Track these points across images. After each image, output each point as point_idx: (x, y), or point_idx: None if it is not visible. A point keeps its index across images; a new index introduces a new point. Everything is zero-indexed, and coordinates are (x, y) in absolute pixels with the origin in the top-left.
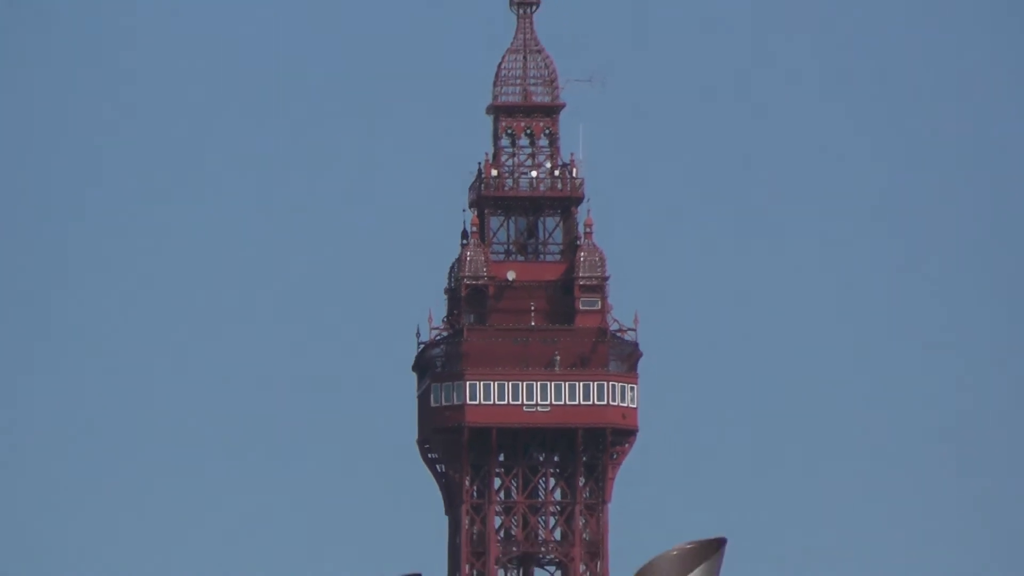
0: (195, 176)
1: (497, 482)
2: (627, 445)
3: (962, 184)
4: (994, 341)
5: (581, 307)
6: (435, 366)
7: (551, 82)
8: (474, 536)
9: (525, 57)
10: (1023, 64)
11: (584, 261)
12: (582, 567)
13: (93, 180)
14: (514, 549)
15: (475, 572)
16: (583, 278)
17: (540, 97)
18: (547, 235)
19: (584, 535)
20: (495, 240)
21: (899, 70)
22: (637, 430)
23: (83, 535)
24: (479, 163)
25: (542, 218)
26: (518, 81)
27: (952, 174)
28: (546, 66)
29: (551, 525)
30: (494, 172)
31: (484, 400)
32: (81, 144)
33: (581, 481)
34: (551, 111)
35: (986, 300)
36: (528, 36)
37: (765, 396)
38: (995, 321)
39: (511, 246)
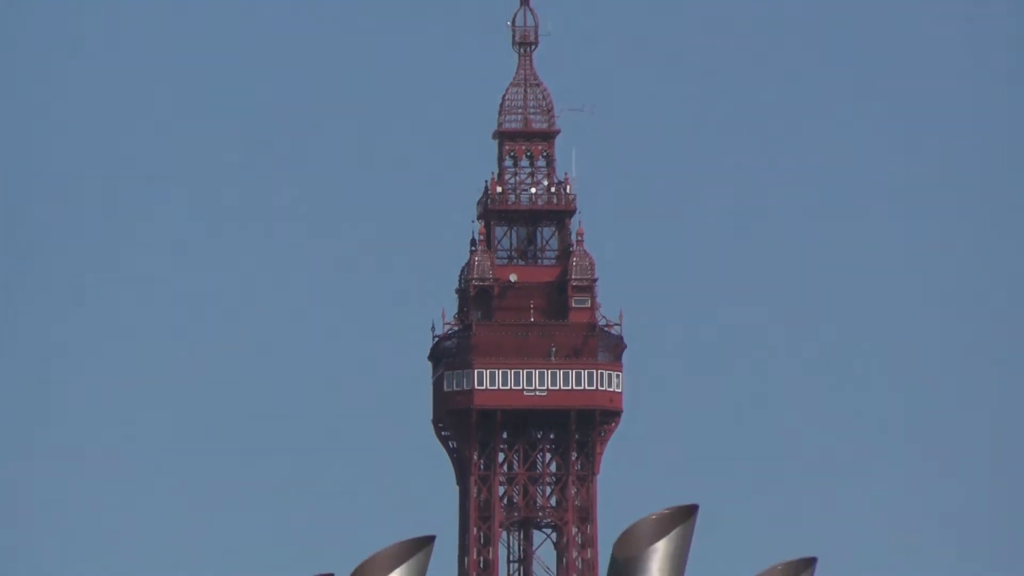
0: (238, 193)
1: (501, 456)
2: (613, 424)
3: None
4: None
5: (573, 305)
6: (448, 356)
7: (548, 111)
8: (481, 503)
9: (525, 90)
10: None
11: (576, 265)
12: (574, 529)
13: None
14: (516, 514)
15: (481, 534)
16: (575, 280)
17: (538, 124)
18: (544, 243)
19: (576, 502)
20: (499, 247)
21: (892, 78)
22: (622, 411)
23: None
24: (486, 181)
25: (540, 228)
26: (519, 111)
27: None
28: (544, 97)
29: (547, 493)
30: (499, 189)
31: (490, 385)
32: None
33: (573, 455)
34: (548, 136)
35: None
36: (528, 72)
37: (735, 384)
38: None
39: (513, 252)
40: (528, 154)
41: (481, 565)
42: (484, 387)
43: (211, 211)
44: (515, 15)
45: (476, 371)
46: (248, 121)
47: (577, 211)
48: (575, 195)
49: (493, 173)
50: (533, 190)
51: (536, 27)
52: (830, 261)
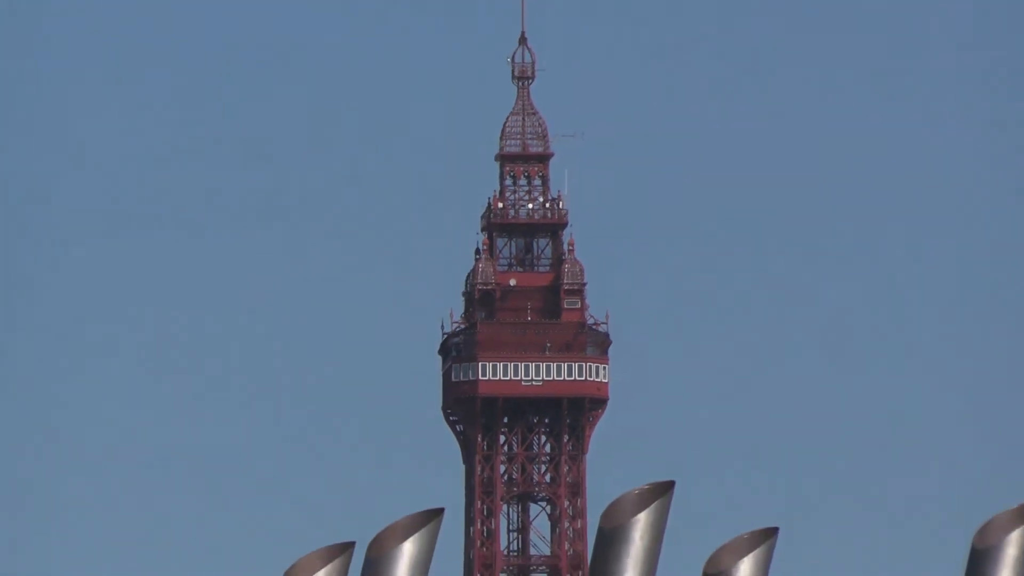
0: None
1: (502, 439)
2: (600, 411)
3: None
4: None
5: (565, 306)
6: (455, 351)
7: (543, 137)
8: (484, 480)
9: (523, 118)
10: None
11: (568, 271)
12: (566, 502)
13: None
14: (515, 489)
15: (485, 507)
16: (567, 284)
17: (535, 148)
18: (539, 252)
19: (568, 478)
20: (500, 256)
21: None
22: (608, 399)
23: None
24: (489, 197)
25: (536, 239)
26: (518, 136)
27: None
28: (539, 125)
29: (543, 471)
30: (500, 204)
31: (492, 376)
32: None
33: (565, 438)
34: (543, 159)
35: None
36: (525, 102)
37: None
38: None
39: (512, 260)
40: (526, 174)
41: (484, 534)
42: (487, 378)
43: (236, 226)
44: (514, 53)
45: (480, 364)
46: (268, 129)
47: (569, 224)
48: (567, 210)
49: (495, 191)
50: (530, 206)
51: (533, 63)
52: (812, 262)
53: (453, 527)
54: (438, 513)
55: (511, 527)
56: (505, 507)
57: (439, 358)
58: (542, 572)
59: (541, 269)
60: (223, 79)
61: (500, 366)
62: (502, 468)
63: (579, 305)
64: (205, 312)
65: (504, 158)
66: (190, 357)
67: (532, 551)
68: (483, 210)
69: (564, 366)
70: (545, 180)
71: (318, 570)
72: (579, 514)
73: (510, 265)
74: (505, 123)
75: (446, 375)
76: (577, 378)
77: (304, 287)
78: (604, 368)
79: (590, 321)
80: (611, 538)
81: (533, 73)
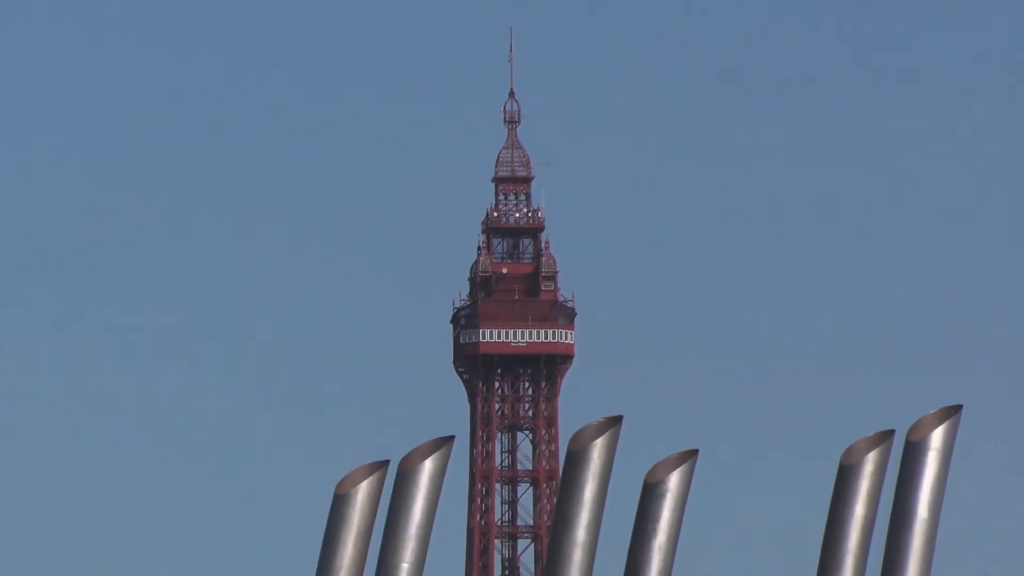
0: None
1: (496, 384)
2: (568, 364)
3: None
4: None
5: (543, 288)
6: (463, 321)
7: (527, 165)
8: (483, 415)
9: (512, 151)
10: None
11: (544, 263)
12: (543, 431)
13: None
14: (506, 421)
15: (484, 435)
16: (544, 272)
17: (520, 173)
18: (524, 248)
19: (544, 413)
20: (495, 251)
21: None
22: (574, 356)
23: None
24: (487, 209)
25: (521, 239)
26: (508, 164)
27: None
28: (524, 156)
29: (526, 408)
30: (495, 213)
31: (490, 339)
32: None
33: (543, 384)
34: (527, 181)
35: None
36: (514, 139)
37: (653, 338)
38: None
39: (504, 254)
40: (514, 192)
41: (484, 454)
42: (486, 340)
43: (277, 233)
44: (505, 104)
45: (481, 330)
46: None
47: (545, 228)
48: (544, 218)
49: (491, 204)
50: (517, 215)
51: (519, 111)
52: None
53: (460, 449)
54: (450, 439)
55: (503, 450)
56: (499, 435)
57: (451, 326)
58: (526, 481)
59: (525, 261)
60: (212, 120)
61: (496, 332)
62: (496, 406)
63: (553, 288)
64: (249, 309)
65: (498, 180)
66: (240, 340)
67: (519, 467)
68: (483, 218)
69: (542, 332)
70: (528, 196)
71: (362, 480)
72: (552, 440)
73: (502, 258)
74: (499, 155)
75: (456, 339)
76: (551, 340)
77: (349, 277)
78: (571, 333)
79: (561, 299)
80: (576, 458)
81: (519, 118)
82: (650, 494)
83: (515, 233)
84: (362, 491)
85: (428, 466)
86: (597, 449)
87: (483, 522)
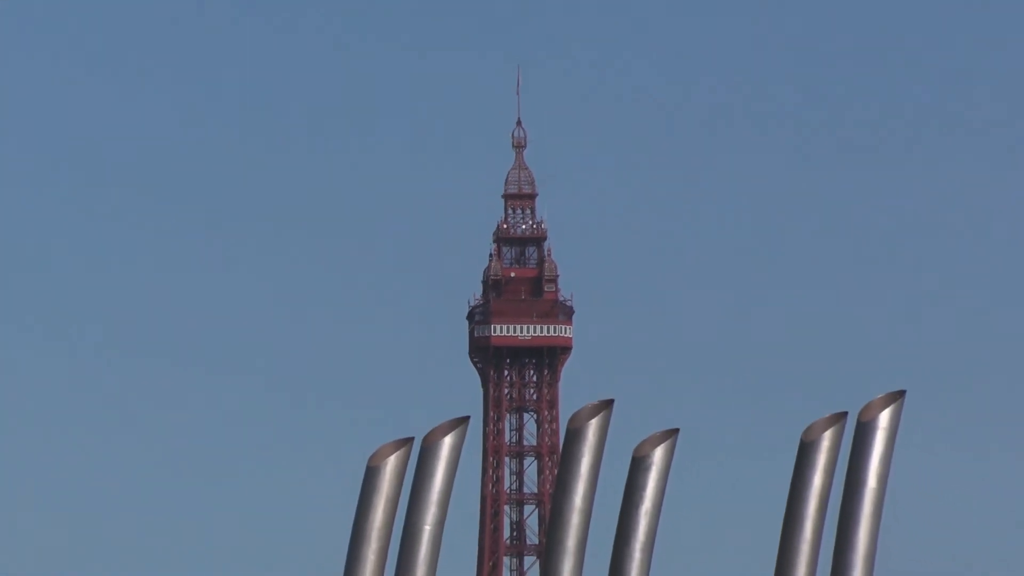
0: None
1: (505, 372)
2: (567, 355)
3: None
4: None
5: (545, 290)
6: (477, 317)
7: (531, 183)
8: (495, 398)
9: (519, 171)
10: None
11: (547, 267)
12: (546, 412)
13: None
14: (513, 404)
15: (495, 415)
16: (546, 276)
17: (526, 190)
18: (529, 255)
19: (547, 397)
20: (505, 257)
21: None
22: (572, 347)
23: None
24: (498, 221)
25: (527, 247)
26: (516, 183)
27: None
28: (529, 176)
29: (531, 392)
30: (505, 225)
31: (501, 333)
32: None
33: (545, 372)
34: (531, 197)
35: None
36: (520, 161)
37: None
38: None
39: (513, 260)
40: (520, 207)
41: (495, 432)
42: (497, 334)
43: (309, 243)
44: (513, 131)
45: (492, 326)
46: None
47: (547, 238)
48: (547, 228)
49: (501, 217)
50: (523, 226)
51: (524, 137)
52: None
53: (475, 428)
54: (466, 419)
55: (512, 428)
56: (508, 415)
57: (466, 322)
58: (531, 455)
59: (530, 266)
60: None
61: (505, 327)
62: (506, 391)
63: (554, 289)
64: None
65: (507, 197)
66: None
67: (525, 443)
68: (494, 229)
69: (545, 327)
70: (533, 211)
71: (390, 455)
72: (554, 419)
73: (511, 264)
74: (508, 175)
75: (471, 332)
76: (553, 334)
77: (380, 281)
78: (570, 328)
79: (561, 299)
80: (574, 435)
81: (525, 143)
82: (637, 466)
83: (521, 242)
84: (390, 464)
85: (447, 442)
86: (592, 428)
87: (494, 490)
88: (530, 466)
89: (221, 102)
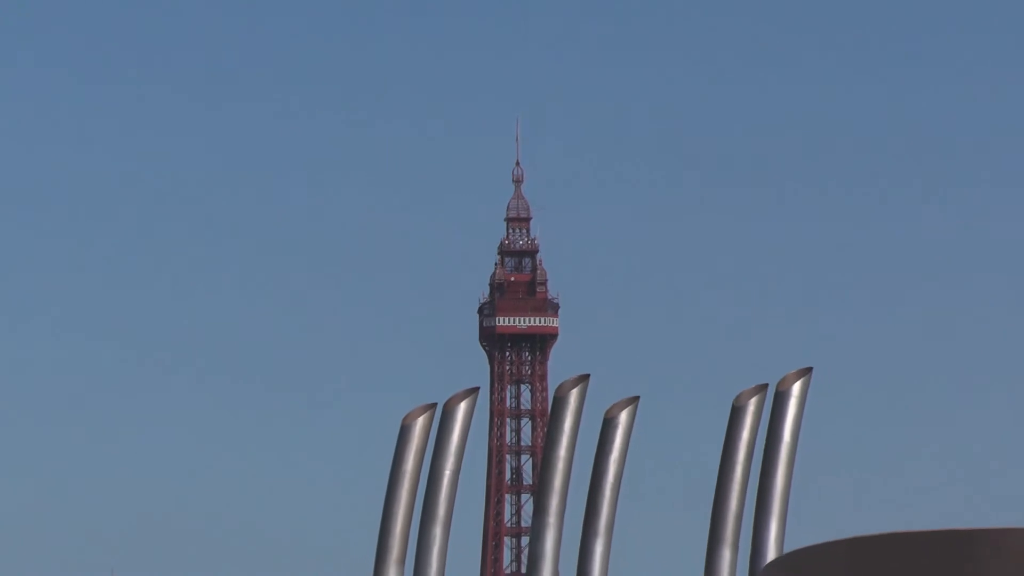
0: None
1: (507, 353)
2: (554, 340)
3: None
4: None
5: (538, 290)
6: (485, 311)
7: (527, 209)
8: (499, 373)
9: (517, 200)
10: None
11: (539, 274)
12: (538, 383)
13: None
14: (513, 377)
15: (499, 387)
16: (538, 280)
17: (523, 215)
18: (525, 264)
19: (539, 372)
20: (507, 266)
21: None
22: (558, 334)
23: None
24: (501, 238)
25: (523, 258)
26: (515, 209)
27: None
28: (526, 204)
29: (527, 368)
30: (506, 240)
31: (503, 324)
32: None
33: (537, 352)
34: (527, 220)
35: None
36: (518, 192)
37: (613, 324)
38: None
39: (512, 268)
40: (519, 227)
41: (499, 399)
42: (501, 324)
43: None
44: (513, 169)
45: (497, 318)
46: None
47: (539, 250)
48: (538, 244)
49: (504, 235)
50: (521, 242)
51: (522, 174)
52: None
53: (483, 396)
54: (476, 389)
55: (512, 396)
56: (509, 386)
57: (477, 315)
58: (527, 416)
59: (526, 272)
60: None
61: (506, 319)
62: (507, 367)
63: (544, 290)
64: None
65: (508, 219)
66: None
67: (522, 407)
68: (499, 244)
69: (537, 319)
70: (528, 230)
71: (419, 416)
72: (544, 389)
73: (511, 271)
74: (509, 203)
75: (480, 324)
76: (543, 324)
77: (410, 284)
78: (556, 320)
79: (550, 298)
80: (559, 402)
81: (523, 179)
82: (608, 426)
83: (519, 254)
84: (419, 423)
85: (462, 407)
86: (573, 396)
87: (499, 443)
88: (525, 425)
89: (239, 102)
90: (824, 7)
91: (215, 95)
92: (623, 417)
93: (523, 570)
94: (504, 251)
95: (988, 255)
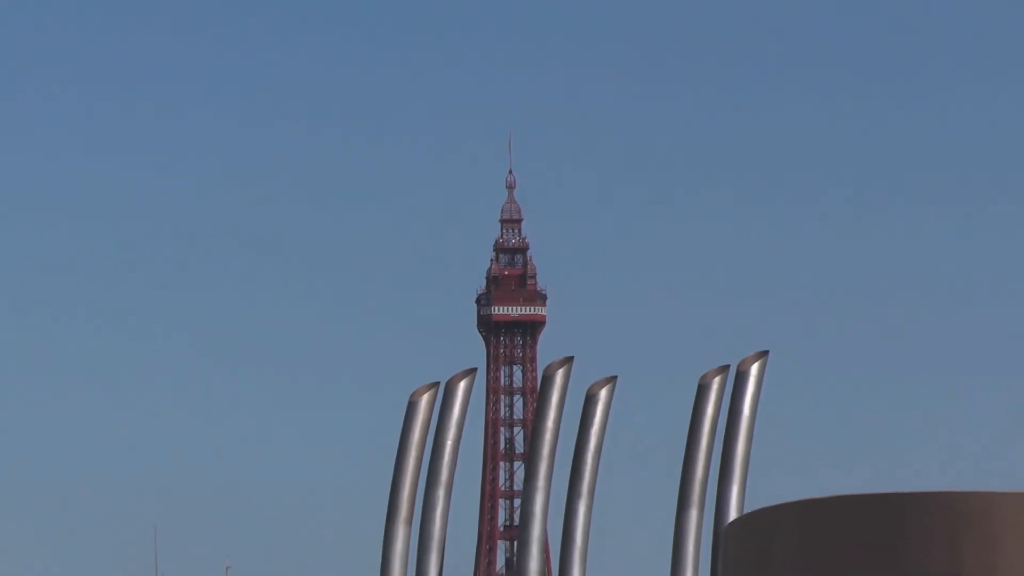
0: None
1: (501, 338)
2: (543, 326)
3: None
4: None
5: (528, 283)
6: (483, 301)
7: (519, 212)
8: (494, 355)
9: (510, 204)
10: None
11: (529, 268)
12: (528, 364)
13: None
14: (507, 359)
15: (495, 367)
16: (528, 274)
17: (515, 217)
18: (517, 260)
19: (529, 354)
20: (501, 261)
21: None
22: (546, 322)
23: None
24: (496, 238)
25: (515, 255)
26: (509, 212)
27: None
28: (517, 207)
29: (519, 351)
30: (500, 239)
31: (498, 312)
32: None
33: (528, 337)
34: (519, 221)
35: None
36: (511, 196)
37: (596, 311)
38: None
39: (506, 263)
40: (511, 227)
41: (495, 379)
42: (496, 312)
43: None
44: (506, 177)
45: (493, 307)
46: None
47: (529, 248)
48: (528, 242)
49: (498, 234)
50: (513, 241)
51: (514, 181)
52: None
53: (480, 375)
54: (475, 369)
55: (506, 375)
56: (503, 367)
57: (475, 305)
58: (519, 393)
59: (518, 267)
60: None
61: (501, 308)
62: (501, 350)
63: (533, 282)
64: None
65: (502, 221)
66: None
67: (515, 384)
68: (494, 242)
69: (528, 308)
70: (519, 230)
71: (425, 393)
72: (534, 369)
73: (505, 265)
74: (503, 206)
75: (478, 312)
76: (533, 313)
77: (420, 280)
78: (544, 309)
79: (539, 289)
80: (547, 380)
81: (515, 186)
82: (590, 401)
83: (512, 251)
84: (424, 399)
85: (462, 385)
86: (559, 375)
87: (494, 417)
88: (518, 401)
89: (252, 104)
90: (787, 20)
91: (248, 109)
92: (603, 394)
93: (516, 528)
94: (499, 248)
95: (931, 243)
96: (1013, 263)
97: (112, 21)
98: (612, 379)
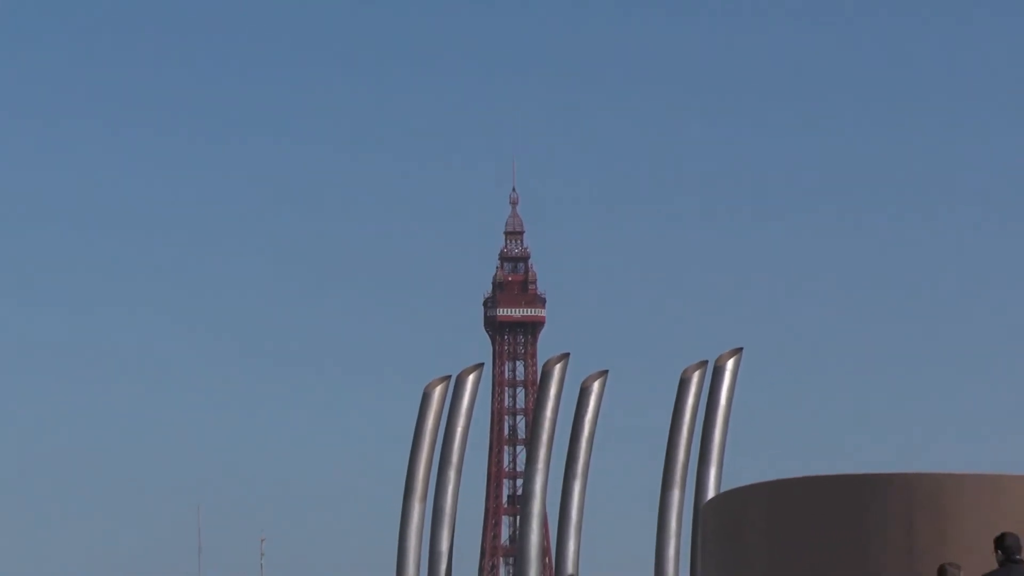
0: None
1: (505, 336)
2: (542, 326)
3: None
4: None
5: (529, 288)
6: (489, 303)
7: (521, 225)
8: (499, 352)
9: (514, 218)
10: None
11: (530, 275)
12: (530, 360)
13: None
14: (510, 355)
15: (500, 362)
16: (530, 280)
17: (517, 229)
18: (519, 267)
19: (530, 351)
20: (505, 268)
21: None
22: (545, 322)
23: None
24: (500, 247)
25: (518, 263)
26: (512, 225)
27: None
28: (520, 221)
29: (521, 348)
30: (505, 249)
31: (503, 314)
32: None
33: (529, 336)
34: (521, 233)
35: None
36: (514, 211)
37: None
38: None
39: (510, 270)
40: (514, 238)
41: (500, 373)
42: (501, 314)
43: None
44: (510, 193)
45: (498, 309)
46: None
47: (530, 256)
48: (530, 252)
49: (503, 244)
50: (516, 250)
51: (517, 197)
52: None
53: (487, 370)
54: (481, 364)
55: (509, 369)
56: (507, 362)
57: (483, 307)
58: (521, 385)
59: (520, 274)
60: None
61: (505, 310)
62: (505, 347)
63: (535, 287)
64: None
65: (506, 233)
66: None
67: (517, 377)
68: (499, 251)
69: (529, 310)
70: (522, 240)
71: (438, 385)
72: (534, 364)
73: (509, 272)
74: (507, 219)
75: (484, 313)
76: (534, 314)
77: (432, 284)
78: (543, 311)
79: (539, 293)
80: (546, 374)
81: (518, 201)
82: (584, 393)
83: (515, 259)
84: (437, 391)
85: (471, 378)
86: (557, 370)
87: (499, 407)
88: (520, 392)
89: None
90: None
91: (271, 128)
92: (595, 386)
93: (518, 505)
94: (503, 257)
95: (896, 244)
96: (974, 258)
97: (121, 28)
98: (604, 373)
